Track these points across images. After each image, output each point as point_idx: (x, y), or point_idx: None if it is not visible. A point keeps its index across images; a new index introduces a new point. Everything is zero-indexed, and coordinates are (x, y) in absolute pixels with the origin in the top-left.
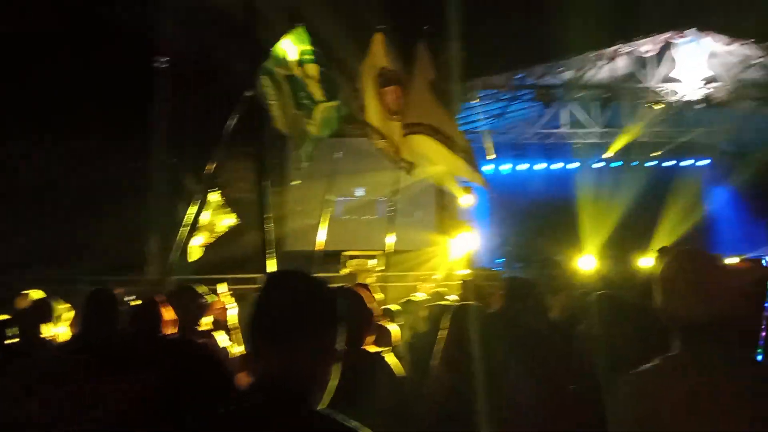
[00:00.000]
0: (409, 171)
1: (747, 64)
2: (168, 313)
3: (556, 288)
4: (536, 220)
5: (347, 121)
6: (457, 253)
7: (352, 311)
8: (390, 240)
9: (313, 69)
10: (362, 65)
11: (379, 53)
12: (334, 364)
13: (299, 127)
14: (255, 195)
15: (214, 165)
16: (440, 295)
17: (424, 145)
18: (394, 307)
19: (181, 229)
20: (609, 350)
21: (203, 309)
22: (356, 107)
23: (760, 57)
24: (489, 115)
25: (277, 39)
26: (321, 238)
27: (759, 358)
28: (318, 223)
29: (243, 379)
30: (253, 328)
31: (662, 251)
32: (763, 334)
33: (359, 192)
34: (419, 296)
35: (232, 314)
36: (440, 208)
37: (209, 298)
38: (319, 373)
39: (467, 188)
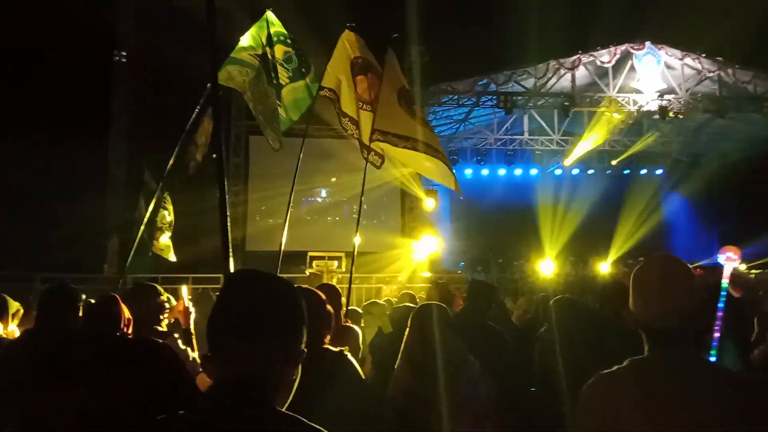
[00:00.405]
0: (379, 165)
1: (700, 78)
2: (127, 312)
3: (517, 291)
4: (498, 225)
5: (314, 121)
6: (421, 255)
7: (312, 310)
8: (356, 241)
9: (280, 50)
10: (332, 58)
11: (350, 46)
12: (298, 364)
13: (270, 107)
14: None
15: (172, 162)
16: (412, 297)
17: (394, 150)
18: (359, 308)
19: (141, 226)
20: (568, 353)
21: (161, 309)
22: (331, 98)
23: (711, 71)
24: (452, 121)
25: (240, 30)
26: (284, 238)
27: (713, 359)
28: (281, 224)
29: (203, 381)
30: (214, 327)
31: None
32: (716, 335)
33: (324, 193)
34: (384, 297)
35: (192, 318)
36: (404, 211)
37: (169, 299)
38: (285, 374)
39: (431, 191)
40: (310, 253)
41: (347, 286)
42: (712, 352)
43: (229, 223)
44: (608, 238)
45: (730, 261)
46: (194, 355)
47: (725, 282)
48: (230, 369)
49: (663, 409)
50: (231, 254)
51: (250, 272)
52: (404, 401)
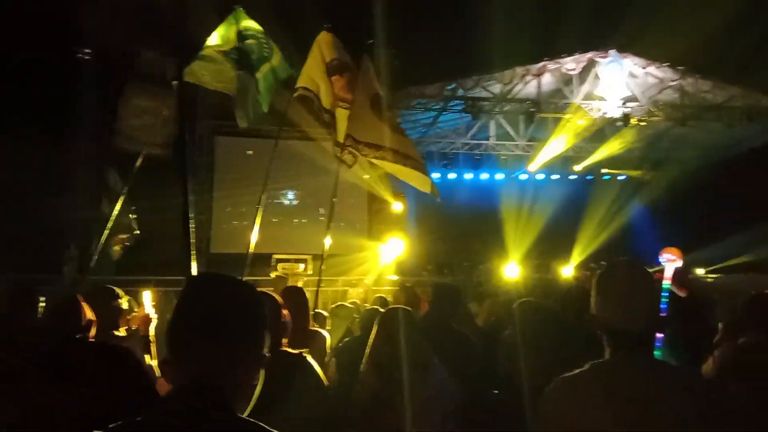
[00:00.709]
0: (351, 165)
1: (662, 86)
2: (89, 314)
3: (482, 294)
4: (464, 228)
5: (282, 123)
6: (388, 258)
7: (269, 314)
8: (326, 243)
9: (252, 42)
10: (308, 60)
11: (326, 47)
12: (260, 369)
13: (242, 87)
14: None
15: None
16: (383, 301)
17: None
18: (325, 311)
19: (104, 227)
20: (531, 356)
21: (120, 314)
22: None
23: (673, 80)
24: (420, 124)
25: (207, 28)
26: (251, 240)
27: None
28: (247, 226)
29: (162, 386)
30: (175, 330)
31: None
32: (659, 335)
33: (290, 195)
34: (350, 300)
35: (153, 325)
36: (371, 214)
37: (127, 303)
38: (247, 378)
39: (399, 194)
40: (275, 256)
41: (314, 289)
42: (656, 352)
43: (192, 225)
44: (571, 242)
45: (670, 262)
46: (152, 363)
47: (666, 283)
48: (191, 373)
49: (627, 411)
50: (194, 257)
51: (211, 275)
52: (370, 404)
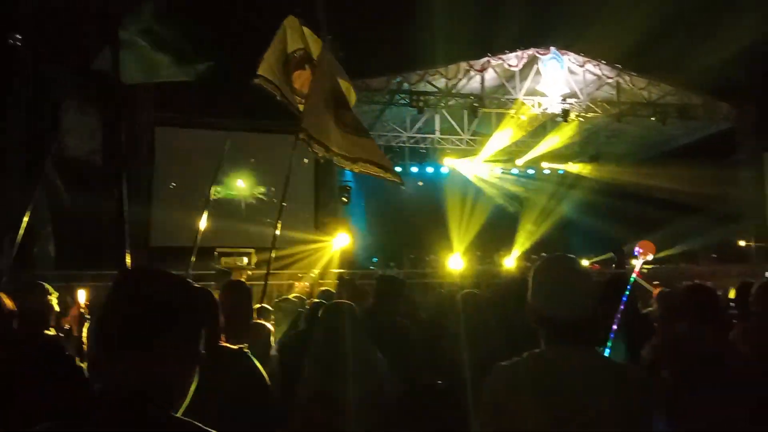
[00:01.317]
0: (322, 155)
1: (600, 83)
2: (10, 304)
3: (427, 286)
4: (410, 221)
5: (226, 114)
6: (334, 251)
7: (206, 309)
8: (272, 237)
9: (168, 30)
10: (271, 48)
11: (291, 35)
12: (196, 366)
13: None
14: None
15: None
16: (329, 293)
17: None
18: (269, 304)
19: (39, 217)
20: (473, 346)
21: (49, 311)
22: (275, 87)
23: (610, 77)
24: (365, 118)
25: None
26: (194, 233)
27: (606, 352)
28: (190, 218)
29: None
30: (104, 329)
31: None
32: (614, 327)
33: (233, 187)
34: (293, 294)
35: (86, 325)
36: (318, 206)
37: (56, 300)
38: (182, 377)
39: (345, 187)
40: (217, 249)
41: (258, 283)
42: (608, 344)
43: (125, 218)
44: (513, 235)
45: (641, 256)
46: (83, 365)
47: (633, 276)
48: (122, 373)
49: (558, 401)
50: (128, 250)
51: (142, 270)
52: (311, 399)
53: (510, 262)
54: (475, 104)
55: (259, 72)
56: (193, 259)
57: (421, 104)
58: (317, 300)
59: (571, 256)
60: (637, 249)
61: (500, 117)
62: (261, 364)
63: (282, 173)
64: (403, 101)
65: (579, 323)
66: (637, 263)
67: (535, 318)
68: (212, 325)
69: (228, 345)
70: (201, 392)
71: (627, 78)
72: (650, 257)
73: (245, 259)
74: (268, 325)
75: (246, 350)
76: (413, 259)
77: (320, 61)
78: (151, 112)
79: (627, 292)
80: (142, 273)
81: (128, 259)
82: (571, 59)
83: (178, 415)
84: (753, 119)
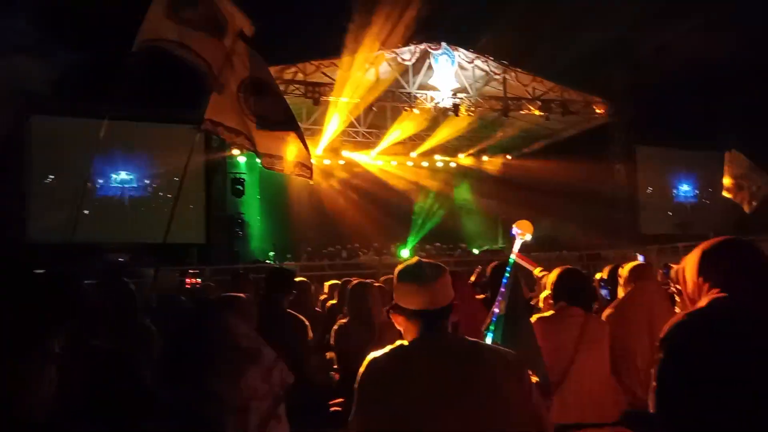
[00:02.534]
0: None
1: (488, 79)
2: None
3: (323, 279)
4: (308, 213)
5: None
6: (230, 246)
7: (77, 304)
8: (169, 230)
9: None
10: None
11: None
12: (52, 364)
13: None
14: None
15: None
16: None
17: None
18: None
19: None
20: (361, 337)
21: None
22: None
23: (497, 73)
24: None
25: None
26: (75, 228)
27: (489, 336)
28: (71, 212)
29: None
30: None
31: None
32: (496, 310)
33: (120, 180)
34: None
35: None
36: (211, 200)
37: None
38: (31, 377)
39: (238, 179)
40: (103, 245)
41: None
42: (491, 327)
43: None
44: (407, 225)
45: (519, 236)
46: None
47: (513, 257)
48: None
49: (417, 387)
50: None
51: None
52: (196, 396)
53: (405, 252)
54: (370, 97)
55: (144, 37)
56: (66, 256)
57: (316, 96)
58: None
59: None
60: (514, 229)
61: (395, 110)
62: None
63: (171, 165)
64: (298, 92)
65: (436, 309)
66: (516, 244)
67: (397, 309)
68: (78, 323)
69: (101, 344)
70: (73, 391)
71: (513, 74)
72: (528, 237)
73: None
74: (152, 327)
75: (124, 350)
76: (310, 252)
77: (238, 51)
78: (26, 100)
79: (507, 275)
80: None
81: None
82: (461, 55)
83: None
84: (627, 114)
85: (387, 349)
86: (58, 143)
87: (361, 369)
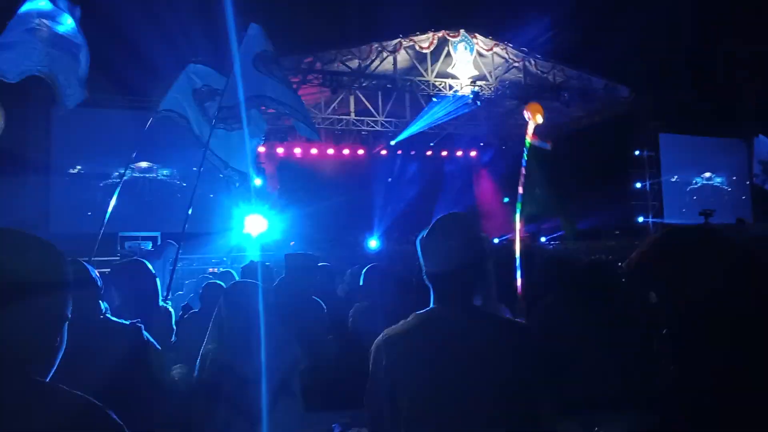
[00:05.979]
0: None
1: (507, 66)
2: None
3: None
4: (329, 203)
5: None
6: (250, 235)
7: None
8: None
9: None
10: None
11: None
12: (60, 329)
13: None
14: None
15: None
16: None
17: None
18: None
19: None
20: (376, 317)
21: None
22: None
23: (516, 61)
24: None
25: None
26: (99, 218)
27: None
28: (93, 202)
29: None
30: None
31: None
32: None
33: (139, 170)
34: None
35: None
36: (232, 189)
37: None
38: (45, 339)
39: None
40: (121, 234)
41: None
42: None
43: None
44: (429, 215)
45: (531, 120)
46: None
47: (528, 139)
48: None
49: (441, 354)
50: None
51: (6, 231)
52: (213, 373)
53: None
54: (388, 85)
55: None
56: (97, 245)
57: (334, 85)
58: (213, 281)
59: (457, 212)
60: (525, 113)
61: (414, 99)
62: (160, 343)
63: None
64: (316, 81)
65: (458, 277)
66: (529, 127)
67: (426, 277)
68: (87, 295)
69: (118, 320)
70: (72, 358)
71: (532, 62)
72: (540, 119)
73: (151, 244)
74: (169, 307)
75: (140, 325)
76: (332, 242)
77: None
78: (47, 90)
79: (525, 160)
80: (6, 234)
81: None
82: (479, 43)
83: (46, 379)
84: (650, 102)
85: (407, 321)
86: (74, 134)
87: (377, 345)
